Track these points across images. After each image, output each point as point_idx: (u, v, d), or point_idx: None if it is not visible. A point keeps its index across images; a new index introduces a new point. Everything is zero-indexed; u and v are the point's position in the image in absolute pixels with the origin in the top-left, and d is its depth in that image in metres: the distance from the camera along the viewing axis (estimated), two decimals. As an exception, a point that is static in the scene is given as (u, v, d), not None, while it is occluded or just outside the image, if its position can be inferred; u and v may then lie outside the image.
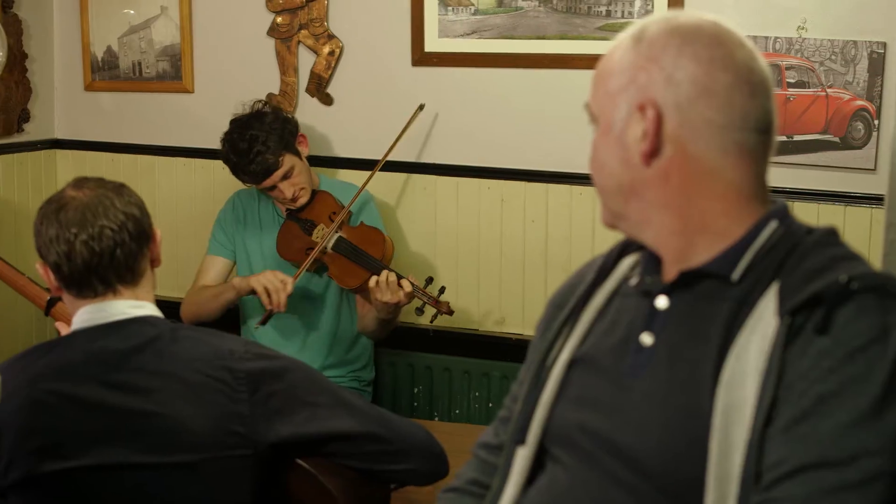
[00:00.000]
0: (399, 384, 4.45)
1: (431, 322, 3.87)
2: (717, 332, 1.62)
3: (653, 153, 1.68)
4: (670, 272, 1.72)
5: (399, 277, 3.75)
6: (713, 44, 1.66)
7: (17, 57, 4.83)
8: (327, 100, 4.49)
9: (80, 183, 2.38)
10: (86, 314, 2.35)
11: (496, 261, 4.31)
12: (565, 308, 1.88)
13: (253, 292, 3.87)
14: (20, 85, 4.86)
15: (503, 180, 4.26)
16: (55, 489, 2.28)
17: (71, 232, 2.30)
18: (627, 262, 1.86)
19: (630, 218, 1.75)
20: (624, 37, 1.75)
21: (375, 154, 4.16)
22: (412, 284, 3.76)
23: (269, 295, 3.82)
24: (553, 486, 1.76)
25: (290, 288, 3.82)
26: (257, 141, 3.91)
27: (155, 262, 2.44)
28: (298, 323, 4.11)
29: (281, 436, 2.31)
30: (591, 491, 1.70)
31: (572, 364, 1.81)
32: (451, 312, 3.83)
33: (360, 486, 2.43)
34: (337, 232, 3.96)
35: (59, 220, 2.32)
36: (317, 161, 4.27)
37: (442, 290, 3.86)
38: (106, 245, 2.31)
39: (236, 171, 4.01)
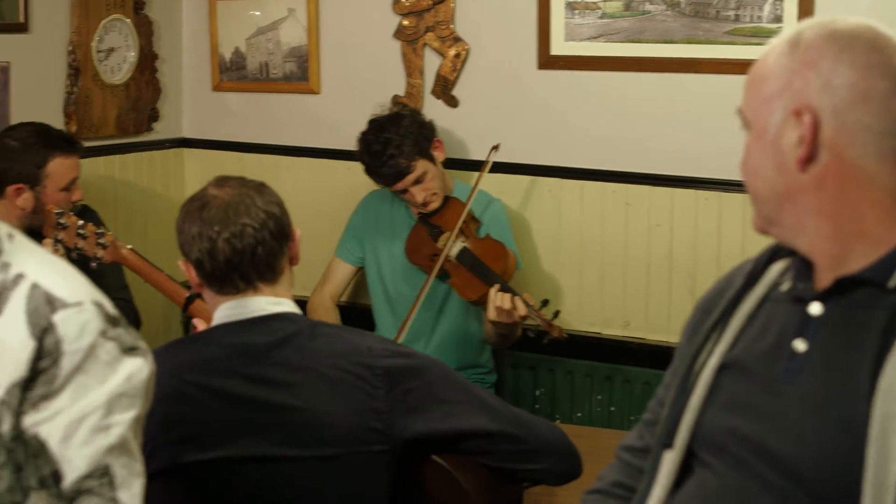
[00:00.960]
0: (521, 386, 4.46)
1: (543, 344, 3.84)
2: (872, 341, 1.60)
3: (809, 159, 1.66)
4: (824, 279, 1.70)
5: (514, 296, 3.74)
6: (870, 50, 1.65)
7: (148, 57, 4.92)
8: (453, 102, 4.51)
9: (221, 182, 2.43)
10: (227, 310, 2.39)
11: (620, 264, 4.30)
12: (714, 312, 1.87)
13: None
14: (150, 85, 4.96)
15: (628, 184, 4.24)
16: (194, 480, 2.33)
17: (213, 230, 2.34)
18: (777, 267, 1.85)
19: (783, 224, 1.74)
20: (778, 41, 1.74)
21: (501, 156, 4.16)
22: (526, 305, 3.73)
23: None
24: (702, 491, 1.76)
25: None
26: (391, 144, 3.94)
27: (294, 261, 2.48)
28: (425, 326, 4.13)
29: (417, 432, 2.33)
30: (742, 496, 1.69)
31: (722, 369, 1.80)
32: (563, 337, 3.79)
33: (493, 484, 2.44)
34: (462, 242, 3.97)
35: (201, 217, 2.36)
36: (445, 163, 4.29)
37: (556, 313, 3.82)
38: (247, 243, 2.35)
39: (369, 171, 4.04)
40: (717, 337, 1.84)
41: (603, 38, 4.22)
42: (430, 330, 4.14)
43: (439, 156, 4.09)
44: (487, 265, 3.90)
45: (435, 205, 4.04)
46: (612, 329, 4.34)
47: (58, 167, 3.76)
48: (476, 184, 4.01)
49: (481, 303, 3.84)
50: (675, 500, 1.80)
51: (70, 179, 3.80)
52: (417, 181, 3.98)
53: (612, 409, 4.27)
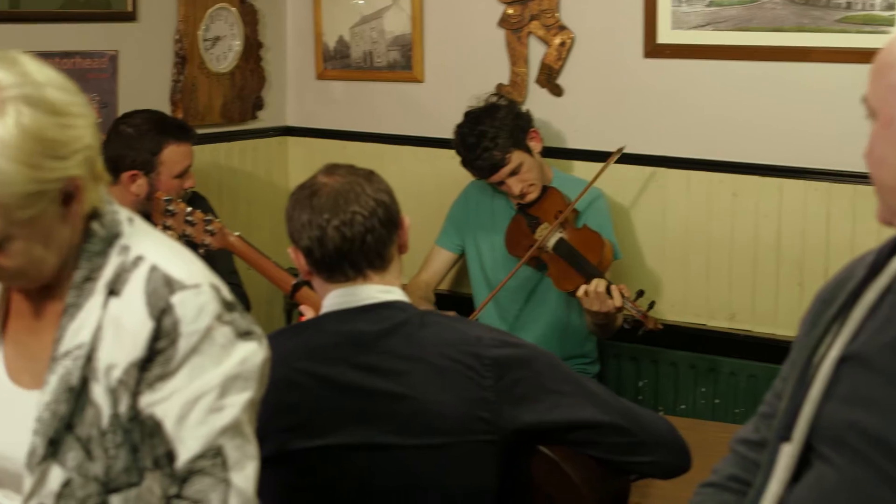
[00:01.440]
0: (624, 377, 4.43)
1: (638, 335, 3.83)
2: None
3: (938, 148, 1.62)
4: (948, 270, 1.66)
5: (609, 287, 3.72)
6: None
7: (253, 46, 4.96)
8: (557, 91, 4.48)
9: (331, 169, 2.43)
10: (336, 298, 2.39)
11: (726, 256, 4.24)
12: (834, 304, 1.83)
13: None
14: (255, 73, 5.00)
15: (736, 174, 4.19)
16: (303, 467, 2.34)
17: (323, 217, 2.34)
18: (901, 258, 1.81)
19: (911, 215, 1.70)
20: (905, 28, 1.70)
21: (606, 146, 4.14)
22: (622, 296, 3.72)
23: None
24: (821, 485, 1.73)
25: None
26: (485, 136, 3.93)
27: (402, 249, 2.47)
28: (526, 317, 4.12)
29: (525, 423, 2.32)
30: (862, 491, 1.65)
31: (842, 361, 1.76)
32: (658, 329, 3.79)
33: (601, 476, 2.42)
34: (559, 232, 3.95)
35: (311, 205, 2.36)
36: (546, 152, 4.26)
37: (651, 304, 3.80)
38: (357, 231, 2.34)
39: (465, 164, 4.04)
40: (837, 329, 1.80)
41: (711, 26, 4.17)
42: (534, 322, 4.12)
43: (536, 146, 4.08)
44: (584, 256, 3.88)
45: (533, 196, 4.03)
46: (718, 321, 4.29)
47: (172, 154, 3.81)
48: (591, 182, 3.99)
49: (578, 294, 3.82)
50: (793, 495, 1.77)
51: (183, 167, 3.84)
52: (513, 173, 3.97)
53: (717, 401, 4.22)
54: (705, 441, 2.74)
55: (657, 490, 2.91)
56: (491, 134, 3.94)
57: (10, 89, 1.66)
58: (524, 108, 4.16)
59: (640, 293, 3.80)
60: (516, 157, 3.96)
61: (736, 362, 4.18)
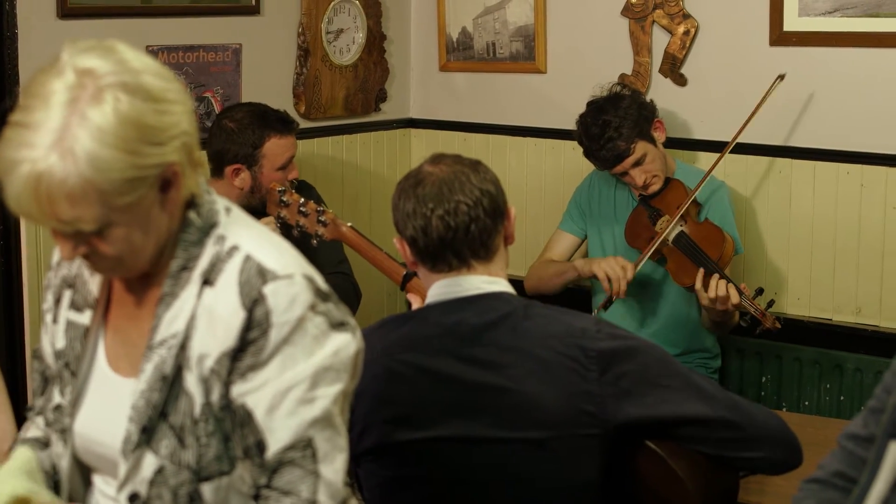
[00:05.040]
0: (746, 373, 4.36)
1: (756, 334, 3.77)
2: None
3: None
4: None
5: (728, 285, 3.66)
6: None
7: (376, 38, 4.97)
8: (681, 80, 4.42)
9: (437, 159, 2.42)
10: (440, 288, 2.39)
11: (853, 249, 4.15)
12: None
13: (594, 276, 3.86)
14: (378, 65, 5.01)
15: (863, 165, 4.09)
16: (405, 458, 2.34)
17: (427, 207, 2.33)
18: None
19: None
20: None
21: (730, 136, 4.06)
22: (740, 294, 3.67)
23: (609, 281, 3.80)
24: (929, 485, 1.67)
25: (630, 275, 3.80)
26: (609, 126, 3.88)
27: (509, 240, 2.45)
28: (645, 310, 4.08)
29: (630, 417, 2.29)
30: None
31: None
32: (776, 328, 3.73)
33: (708, 472, 2.38)
34: (680, 226, 3.90)
35: (416, 195, 2.36)
36: (670, 143, 4.21)
37: (771, 303, 3.75)
38: (461, 220, 2.33)
39: (588, 154, 4.00)
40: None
41: (839, 12, 4.07)
42: (652, 315, 4.07)
43: (660, 137, 4.03)
44: (704, 251, 3.82)
45: (656, 187, 3.98)
46: (844, 315, 4.19)
47: (274, 147, 3.84)
48: (709, 172, 3.94)
49: (696, 289, 3.76)
50: (899, 494, 1.72)
51: (286, 159, 3.87)
52: (637, 163, 3.92)
53: (842, 398, 4.14)
54: (827, 439, 2.67)
55: (773, 488, 2.85)
56: (615, 124, 3.89)
57: (108, 77, 1.69)
58: (650, 100, 4.10)
59: (760, 291, 3.74)
60: (640, 147, 3.91)
61: (862, 358, 4.10)
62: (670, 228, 3.87)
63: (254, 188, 3.80)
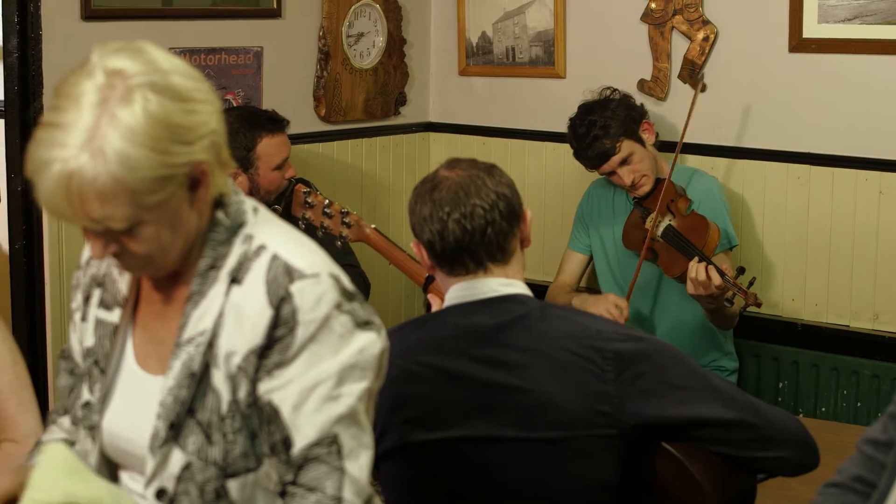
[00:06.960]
0: (763, 377, 4.36)
1: (742, 312, 3.80)
2: None
3: None
4: None
5: (708, 266, 3.67)
6: None
7: (396, 42, 5.00)
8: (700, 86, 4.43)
9: (452, 163, 2.43)
10: (457, 291, 2.40)
11: (871, 255, 4.15)
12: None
13: None
14: (398, 69, 5.03)
15: (882, 171, 4.10)
16: (424, 459, 2.35)
17: (444, 211, 2.35)
18: None
19: None
20: None
21: (749, 142, 4.08)
22: (720, 275, 3.67)
23: None
24: (948, 489, 1.68)
25: (626, 313, 3.84)
26: (595, 126, 3.96)
27: (525, 242, 2.46)
28: (655, 314, 4.09)
29: (646, 418, 2.29)
30: None
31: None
32: (758, 304, 3.73)
33: (725, 474, 2.37)
34: (668, 220, 3.93)
35: (432, 199, 2.37)
36: (686, 148, 4.23)
37: (752, 281, 3.76)
38: (477, 224, 2.34)
39: (576, 155, 4.10)
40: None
41: (858, 19, 4.08)
42: (658, 318, 4.09)
43: (649, 138, 4.09)
44: (689, 239, 3.87)
45: (646, 188, 4.04)
46: (861, 322, 4.19)
47: (267, 147, 3.86)
48: (675, 156, 3.99)
49: (684, 279, 3.79)
50: (918, 498, 1.73)
51: (281, 158, 3.88)
52: (624, 162, 3.99)
53: (859, 404, 4.14)
54: (844, 444, 2.68)
55: (792, 493, 2.86)
56: (601, 123, 3.97)
57: (137, 77, 1.71)
58: (666, 104, 4.12)
59: (741, 270, 3.78)
60: (626, 146, 3.98)
61: (879, 365, 4.10)
62: (657, 222, 3.92)
63: (252, 191, 3.81)
